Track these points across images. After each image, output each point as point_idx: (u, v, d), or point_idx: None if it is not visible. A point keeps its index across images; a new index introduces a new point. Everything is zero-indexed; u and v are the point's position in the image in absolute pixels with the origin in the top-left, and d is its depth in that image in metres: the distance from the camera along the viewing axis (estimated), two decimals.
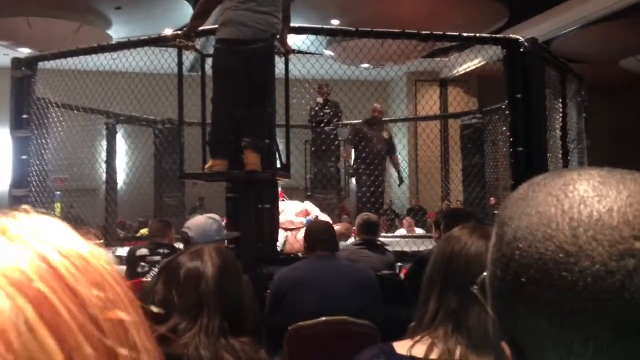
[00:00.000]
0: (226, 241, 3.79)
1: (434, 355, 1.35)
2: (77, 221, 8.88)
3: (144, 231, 9.23)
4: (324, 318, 3.08)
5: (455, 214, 3.97)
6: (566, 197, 0.52)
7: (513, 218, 0.55)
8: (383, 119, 8.47)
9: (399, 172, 8.32)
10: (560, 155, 6.27)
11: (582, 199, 0.51)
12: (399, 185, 8.31)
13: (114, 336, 0.38)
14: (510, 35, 6.30)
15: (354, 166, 8.13)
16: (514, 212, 0.55)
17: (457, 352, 1.34)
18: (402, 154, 9.54)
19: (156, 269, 4.09)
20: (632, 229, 0.48)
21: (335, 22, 12.07)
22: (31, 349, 0.34)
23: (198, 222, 3.51)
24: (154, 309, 1.37)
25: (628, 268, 0.47)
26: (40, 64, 6.77)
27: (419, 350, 1.36)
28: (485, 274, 0.59)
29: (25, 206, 0.44)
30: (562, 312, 0.49)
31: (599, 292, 0.47)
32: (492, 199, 8.58)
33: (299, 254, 5.07)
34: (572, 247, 0.49)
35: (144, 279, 4.10)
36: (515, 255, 0.52)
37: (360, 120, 8.49)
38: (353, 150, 8.07)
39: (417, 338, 1.39)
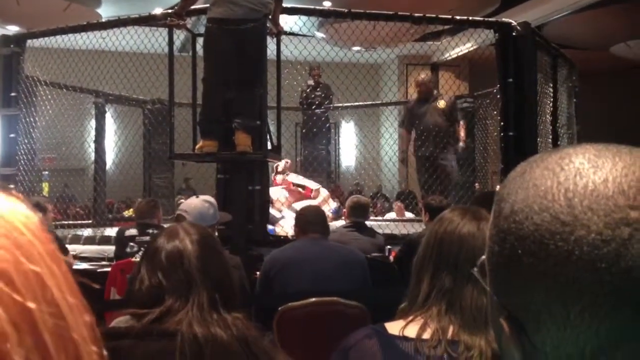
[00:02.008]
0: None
1: (426, 335, 1.35)
2: (71, 200, 8.87)
3: (128, 212, 9.21)
4: (314, 299, 3.09)
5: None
6: (562, 170, 0.52)
7: (510, 194, 0.55)
8: (431, 90, 7.38)
9: (458, 140, 7.17)
10: (550, 140, 6.30)
11: (577, 170, 0.51)
12: (458, 154, 7.21)
13: (28, 291, 0.37)
14: (503, 19, 6.29)
15: (415, 148, 7.22)
16: (512, 188, 0.55)
17: (450, 331, 1.35)
18: (394, 137, 9.46)
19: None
20: (627, 198, 0.48)
21: (327, 4, 11.99)
22: None
23: (195, 205, 3.49)
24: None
25: (623, 237, 0.47)
26: (29, 42, 6.70)
27: (412, 330, 1.37)
28: (484, 257, 0.59)
29: None
30: (559, 283, 0.49)
31: (595, 261, 0.47)
32: (476, 184, 8.58)
33: (289, 236, 5.08)
34: (568, 217, 0.49)
35: (133, 259, 4.11)
36: (512, 228, 0.53)
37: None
38: (413, 132, 7.22)
39: (409, 318, 1.40)
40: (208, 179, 6.48)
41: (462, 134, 7.17)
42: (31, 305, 0.37)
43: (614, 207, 0.48)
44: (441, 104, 7.13)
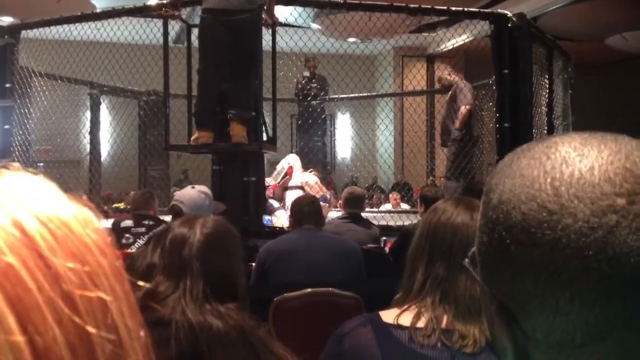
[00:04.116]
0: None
1: (420, 323, 1.36)
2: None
3: (118, 205, 9.17)
4: (309, 289, 3.10)
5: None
6: (548, 158, 0.52)
7: (498, 184, 0.55)
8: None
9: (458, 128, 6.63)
10: (545, 131, 6.31)
11: (563, 159, 0.51)
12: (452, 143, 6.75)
13: (90, 316, 0.35)
14: (498, 10, 6.29)
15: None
16: (499, 178, 0.55)
17: (444, 320, 1.36)
18: (389, 129, 9.45)
19: (141, 241, 4.10)
20: (613, 186, 0.48)
21: None
22: None
23: (190, 195, 3.47)
24: (141, 283, 1.38)
25: (610, 224, 0.47)
26: (23, 33, 6.67)
27: (406, 319, 1.38)
28: (474, 247, 0.59)
29: (11, 163, 0.40)
30: (547, 271, 0.49)
31: (583, 249, 0.47)
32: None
33: (285, 227, 5.08)
34: (555, 206, 0.49)
35: (129, 250, 4.10)
36: (500, 218, 0.53)
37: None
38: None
39: (404, 307, 1.41)
40: (204, 170, 6.48)
41: (457, 121, 6.65)
42: (91, 330, 0.35)
43: (600, 195, 0.48)
44: (448, 95, 6.98)
